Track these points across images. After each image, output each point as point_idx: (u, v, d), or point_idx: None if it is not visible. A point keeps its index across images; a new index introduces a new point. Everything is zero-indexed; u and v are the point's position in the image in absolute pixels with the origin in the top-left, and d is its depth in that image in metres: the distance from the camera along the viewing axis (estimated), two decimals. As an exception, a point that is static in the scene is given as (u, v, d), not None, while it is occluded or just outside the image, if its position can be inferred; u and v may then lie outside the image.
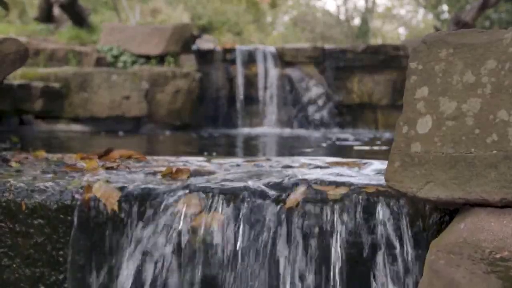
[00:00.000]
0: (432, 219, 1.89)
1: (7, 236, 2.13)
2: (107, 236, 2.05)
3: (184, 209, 1.99)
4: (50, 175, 2.35)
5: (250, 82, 11.72)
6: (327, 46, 12.76)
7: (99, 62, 11.23)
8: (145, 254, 1.98)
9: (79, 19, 13.14)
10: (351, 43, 19.84)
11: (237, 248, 1.94)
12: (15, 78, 9.35)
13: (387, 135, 9.67)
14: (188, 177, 2.25)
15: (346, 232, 1.90)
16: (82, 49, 11.69)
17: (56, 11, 13.43)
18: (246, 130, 11.31)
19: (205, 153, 5.54)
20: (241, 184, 2.04)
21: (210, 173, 2.34)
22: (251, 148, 6.99)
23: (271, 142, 7.97)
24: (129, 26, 12.98)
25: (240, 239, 1.95)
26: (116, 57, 11.48)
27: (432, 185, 1.72)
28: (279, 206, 1.96)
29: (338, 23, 28.40)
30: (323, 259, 1.90)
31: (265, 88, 11.71)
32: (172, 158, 2.89)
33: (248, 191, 1.99)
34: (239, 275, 1.93)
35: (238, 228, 1.95)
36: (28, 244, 2.12)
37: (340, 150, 6.32)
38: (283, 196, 1.98)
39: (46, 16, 13.57)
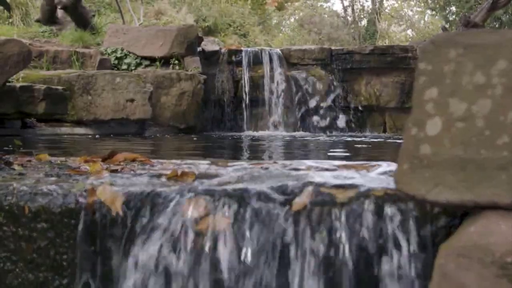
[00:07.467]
0: (441, 222, 1.87)
1: (10, 240, 2.12)
2: (111, 239, 2.04)
3: (189, 212, 1.97)
4: (53, 178, 2.33)
5: (256, 84, 11.72)
6: (334, 47, 12.74)
7: (103, 64, 11.22)
8: (150, 257, 1.97)
9: (82, 21, 13.13)
10: (359, 45, 19.83)
11: (243, 251, 1.92)
12: (18, 80, 9.34)
13: (395, 137, 9.65)
14: (194, 180, 2.23)
15: (354, 236, 1.88)
16: (86, 51, 11.69)
17: (59, 13, 13.42)
18: (251, 133, 11.30)
19: (211, 156, 5.53)
20: (247, 187, 2.01)
21: (216, 176, 2.32)
22: (257, 151, 6.98)
23: (277, 145, 7.96)
24: (133, 28, 12.96)
25: (246, 242, 1.93)
26: (120, 59, 11.49)
27: (441, 187, 1.69)
28: (286, 209, 1.93)
29: (345, 24, 28.41)
30: (331, 263, 1.88)
31: (271, 90, 11.69)
32: (177, 161, 2.88)
33: (254, 194, 1.97)
34: (245, 280, 1.91)
35: (244, 231, 1.94)
36: (31, 248, 2.10)
37: (347, 153, 6.30)
38: (290, 199, 1.96)
39: (49, 18, 13.57)
